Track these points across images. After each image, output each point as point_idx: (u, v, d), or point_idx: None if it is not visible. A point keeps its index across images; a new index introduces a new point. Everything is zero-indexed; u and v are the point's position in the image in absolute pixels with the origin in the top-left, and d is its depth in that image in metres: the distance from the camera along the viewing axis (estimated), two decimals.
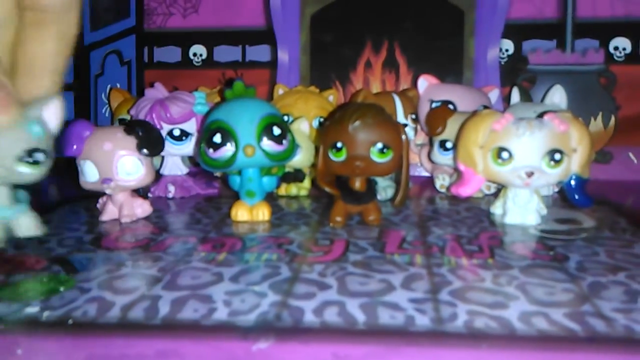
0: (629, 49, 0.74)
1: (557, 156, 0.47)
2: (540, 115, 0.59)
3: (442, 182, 0.65)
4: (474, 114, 0.51)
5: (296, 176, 0.62)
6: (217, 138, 0.49)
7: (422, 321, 0.31)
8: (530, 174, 0.47)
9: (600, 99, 0.71)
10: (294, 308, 0.33)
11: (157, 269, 0.40)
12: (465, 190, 0.50)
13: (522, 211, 0.51)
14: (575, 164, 0.48)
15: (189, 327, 0.31)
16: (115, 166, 0.51)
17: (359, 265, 0.41)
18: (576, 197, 0.49)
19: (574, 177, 0.49)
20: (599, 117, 0.71)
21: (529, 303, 0.34)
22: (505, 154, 0.48)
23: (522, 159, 0.47)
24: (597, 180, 0.71)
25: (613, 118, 0.71)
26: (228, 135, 0.49)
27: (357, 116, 0.48)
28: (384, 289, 0.36)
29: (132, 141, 0.52)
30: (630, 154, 0.72)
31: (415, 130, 0.68)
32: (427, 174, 0.71)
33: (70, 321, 0.32)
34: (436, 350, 0.29)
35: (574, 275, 0.38)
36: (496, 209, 0.54)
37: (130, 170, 0.52)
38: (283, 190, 0.64)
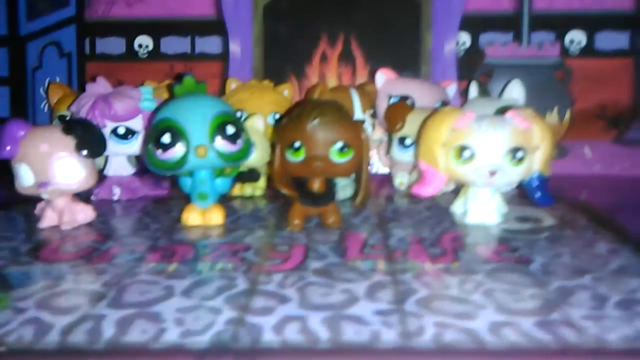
0: (584, 42, 0.74)
1: (520, 154, 0.46)
2: (502, 112, 0.58)
3: (401, 179, 0.64)
4: (435, 111, 0.50)
5: (251, 175, 0.60)
6: (166, 138, 0.46)
7: (389, 336, 0.30)
8: (493, 173, 0.46)
9: (555, 92, 0.71)
10: (251, 325, 0.31)
11: (101, 283, 0.37)
12: (427, 190, 0.49)
13: (483, 210, 0.50)
14: (537, 161, 0.47)
15: (137, 351, 0.28)
16: (53, 169, 0.47)
17: (319, 273, 0.38)
18: (538, 195, 0.49)
19: (535, 175, 0.48)
20: (555, 111, 0.71)
21: (497, 312, 0.32)
22: (467, 153, 0.46)
23: (484, 157, 0.46)
24: (553, 174, 0.71)
25: (568, 112, 0.71)
26: (178, 135, 0.46)
27: (316, 114, 0.46)
28: (347, 301, 0.34)
29: (70, 142, 0.48)
30: (586, 148, 0.73)
31: (373, 125, 0.67)
32: (385, 171, 0.70)
33: (2, 348, 0.29)
34: None
35: (539, 279, 0.37)
36: (457, 207, 0.52)
37: (69, 173, 0.48)
38: (237, 190, 0.61)
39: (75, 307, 0.33)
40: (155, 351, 0.28)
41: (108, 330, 0.30)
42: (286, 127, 0.47)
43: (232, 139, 0.47)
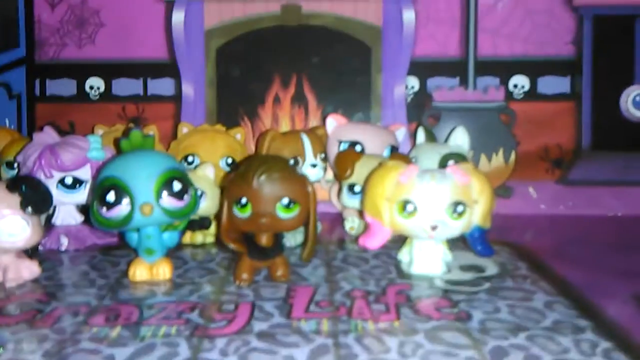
0: (527, 87, 0.77)
1: (460, 208, 0.48)
2: (445, 161, 0.60)
3: (351, 224, 0.65)
4: (380, 164, 0.51)
5: (202, 224, 0.59)
6: (111, 196, 0.46)
7: None
8: (434, 227, 0.48)
9: (501, 135, 0.74)
10: None
11: (42, 353, 0.37)
12: (372, 243, 0.50)
13: (428, 260, 0.51)
14: (476, 215, 0.49)
15: None
16: None
17: (263, 337, 0.39)
18: (478, 248, 0.50)
19: (475, 228, 0.49)
20: (500, 153, 0.73)
21: None
22: (410, 207, 0.48)
23: (426, 211, 0.48)
24: (499, 214, 0.73)
25: (513, 153, 0.74)
26: (123, 193, 0.46)
27: (262, 171, 0.47)
28: None
29: (15, 199, 0.47)
30: (531, 189, 0.75)
31: (325, 168, 0.68)
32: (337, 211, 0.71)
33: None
34: None
35: (477, 338, 0.39)
36: (403, 256, 0.54)
37: (14, 231, 0.47)
38: (188, 238, 0.61)
39: None
40: None
41: None
42: (233, 183, 0.48)
43: (179, 195, 0.47)
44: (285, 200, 0.47)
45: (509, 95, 0.76)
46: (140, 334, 0.39)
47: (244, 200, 0.47)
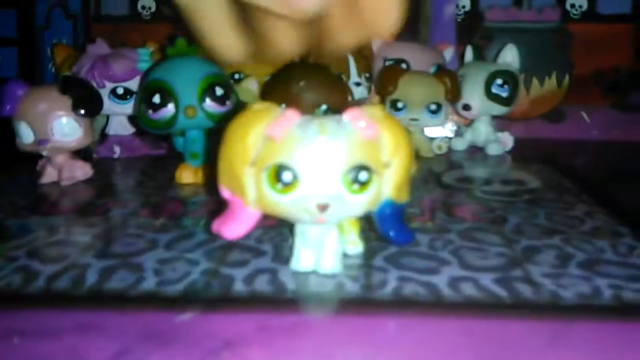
0: (585, 6, 0.73)
1: (363, 176, 0.29)
2: (490, 82, 0.57)
3: None
4: (248, 109, 0.31)
5: None
6: (157, 98, 0.47)
7: (352, 288, 0.31)
8: (323, 207, 0.29)
9: (555, 57, 0.70)
10: (224, 276, 0.33)
11: (91, 235, 0.39)
12: (232, 230, 0.31)
13: (315, 252, 0.34)
14: (388, 184, 0.30)
15: (112, 298, 0.30)
16: (51, 127, 0.49)
17: None
18: (390, 233, 0.32)
19: (387, 203, 0.31)
20: (553, 76, 0.71)
21: (461, 268, 0.34)
22: (287, 176, 0.28)
23: (311, 182, 0.29)
24: (550, 139, 0.71)
25: (567, 77, 0.71)
26: (168, 96, 0.47)
27: (301, 77, 0.47)
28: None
29: (67, 101, 0.49)
30: (583, 113, 0.72)
31: (370, 89, 0.67)
32: None
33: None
34: (362, 318, 0.29)
35: (509, 238, 0.39)
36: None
37: (66, 131, 0.50)
38: None
39: (63, 257, 0.36)
40: (130, 298, 0.30)
41: (91, 278, 0.33)
42: (272, 90, 0.49)
43: (221, 100, 0.48)
44: (324, 107, 0.47)
45: (565, 16, 0.72)
46: (183, 223, 0.41)
47: (282, 106, 0.47)
